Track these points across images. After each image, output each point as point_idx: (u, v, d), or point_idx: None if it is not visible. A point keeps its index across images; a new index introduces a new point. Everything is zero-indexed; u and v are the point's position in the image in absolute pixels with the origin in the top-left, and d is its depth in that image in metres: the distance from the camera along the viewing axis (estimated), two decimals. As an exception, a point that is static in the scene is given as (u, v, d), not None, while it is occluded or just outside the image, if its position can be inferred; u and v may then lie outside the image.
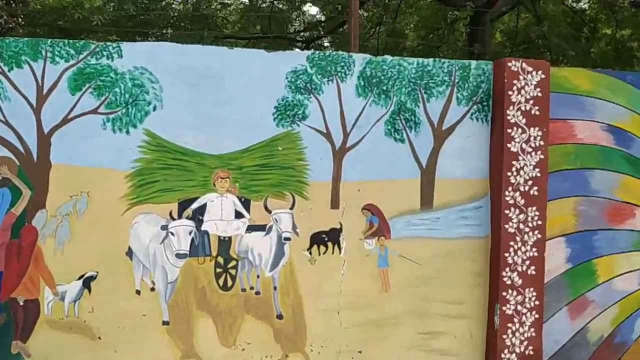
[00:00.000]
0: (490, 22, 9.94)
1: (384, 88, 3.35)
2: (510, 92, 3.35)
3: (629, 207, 3.70)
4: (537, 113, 3.38)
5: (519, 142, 3.37)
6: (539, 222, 3.40)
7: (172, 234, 3.16)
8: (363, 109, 3.34)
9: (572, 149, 3.61)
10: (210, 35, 8.44)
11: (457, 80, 3.43)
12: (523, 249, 3.37)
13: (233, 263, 3.23)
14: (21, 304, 3.06)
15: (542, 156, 3.40)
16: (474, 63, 3.46)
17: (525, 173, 3.37)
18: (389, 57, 3.38)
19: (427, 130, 3.41)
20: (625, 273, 3.70)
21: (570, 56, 10.08)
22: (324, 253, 3.31)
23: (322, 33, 9.15)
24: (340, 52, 3.34)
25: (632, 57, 10.56)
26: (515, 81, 3.36)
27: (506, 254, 3.36)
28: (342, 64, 3.30)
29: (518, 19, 9.96)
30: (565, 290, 3.62)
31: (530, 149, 3.38)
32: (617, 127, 3.68)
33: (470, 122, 3.45)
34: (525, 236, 3.38)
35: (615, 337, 3.70)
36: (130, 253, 3.14)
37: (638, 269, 3.71)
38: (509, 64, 3.35)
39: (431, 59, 3.42)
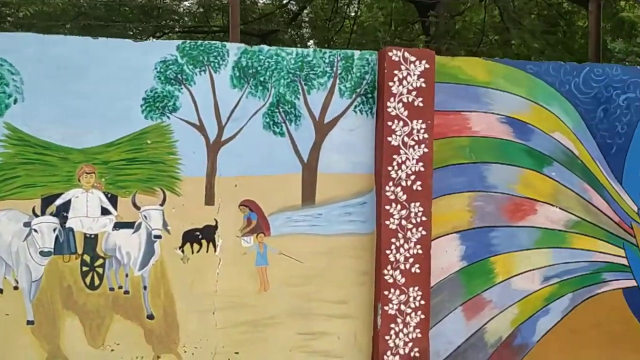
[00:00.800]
0: (456, 15, 9.75)
1: (261, 79, 3.22)
2: (391, 83, 3.20)
3: (529, 202, 3.54)
4: (421, 105, 3.23)
5: (400, 136, 3.22)
6: (424, 219, 3.25)
7: (36, 231, 3.04)
8: (239, 100, 3.21)
9: (467, 142, 3.46)
10: (168, 28, 8.35)
11: (339, 71, 3.28)
12: (406, 246, 3.23)
13: (100, 261, 3.11)
14: None
15: (426, 150, 3.25)
16: (357, 53, 3.32)
17: (407, 167, 3.23)
18: (265, 47, 3.25)
19: (308, 124, 3.27)
20: (525, 272, 3.55)
21: (541, 50, 9.85)
22: (198, 251, 3.18)
23: (278, 26, 9.04)
24: (213, 42, 3.21)
25: (606, 51, 10.32)
26: (396, 71, 3.21)
27: (388, 252, 3.22)
28: (215, 53, 3.17)
29: (486, 12, 9.78)
30: (459, 289, 3.47)
31: (413, 143, 3.23)
32: (517, 119, 3.52)
33: (354, 115, 3.31)
34: (409, 233, 3.23)
35: (515, 339, 3.54)
36: (-9, 251, 3.05)
37: (540, 268, 3.56)
38: (390, 54, 3.20)
39: (311, 49, 3.29)
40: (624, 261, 3.67)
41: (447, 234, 3.43)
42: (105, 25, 7.95)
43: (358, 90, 3.30)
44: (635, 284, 3.69)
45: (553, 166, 3.56)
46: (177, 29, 9.38)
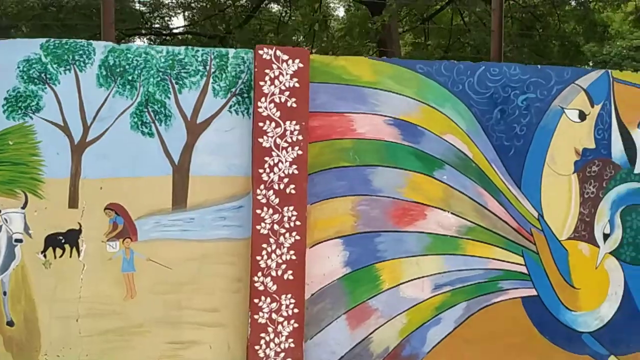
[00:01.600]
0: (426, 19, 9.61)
1: (129, 78, 3.11)
2: (262, 83, 3.09)
3: (419, 207, 3.40)
4: (294, 105, 3.11)
5: (272, 137, 3.10)
6: (298, 223, 3.12)
7: None
8: (105, 100, 3.10)
9: (351, 145, 3.32)
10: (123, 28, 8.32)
11: (213, 70, 3.17)
12: (278, 252, 3.10)
13: (-42, 266, 3.03)
14: None
15: (300, 152, 3.12)
16: (232, 52, 3.20)
17: (280, 170, 3.10)
18: (134, 45, 3.15)
19: (180, 124, 3.16)
20: (415, 279, 3.40)
21: (512, 55, 9.67)
22: (61, 256, 3.07)
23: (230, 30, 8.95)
24: (79, 40, 3.12)
25: (579, 54, 10.12)
26: (268, 70, 3.09)
27: (258, 258, 3.09)
28: (80, 52, 3.07)
29: (453, 17, 9.59)
30: (343, 297, 3.32)
31: (286, 145, 3.10)
32: (405, 120, 3.38)
33: (229, 115, 3.19)
34: (281, 238, 3.10)
35: (404, 349, 3.39)
36: None
37: (430, 275, 3.41)
38: (260, 52, 3.09)
39: (183, 47, 3.18)
40: (523, 269, 3.51)
41: (330, 239, 3.29)
42: (65, 26, 7.91)
43: (233, 89, 3.19)
44: (536, 293, 3.53)
45: (444, 169, 3.42)
46: (143, 32, 9.34)
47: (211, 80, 3.17)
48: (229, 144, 3.18)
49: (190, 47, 3.19)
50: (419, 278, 3.40)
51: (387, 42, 7.72)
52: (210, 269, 3.18)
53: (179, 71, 3.15)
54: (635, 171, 3.64)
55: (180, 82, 3.15)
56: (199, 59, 3.17)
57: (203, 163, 3.17)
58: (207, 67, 3.17)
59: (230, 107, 3.19)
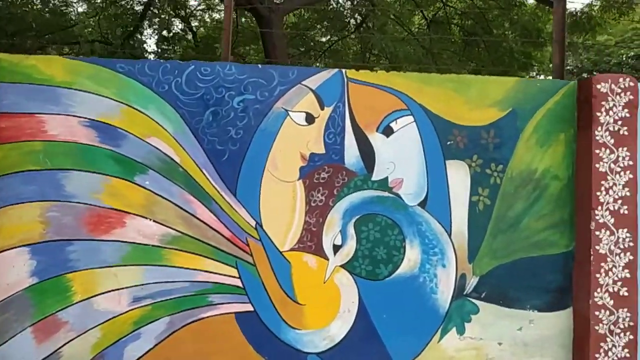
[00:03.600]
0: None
1: None
2: None
3: (117, 214, 3.20)
4: (-43, 105, 2.99)
5: None
6: (-40, 229, 2.98)
7: None
8: None
9: (41, 147, 3.16)
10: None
11: None
12: (-64, 259, 2.96)
13: None
14: None
15: (-37, 154, 2.99)
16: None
17: (-61, 173, 2.97)
18: None
19: None
20: (111, 291, 3.20)
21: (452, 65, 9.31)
22: None
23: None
24: None
25: (514, 60, 9.65)
26: None
27: None
28: None
29: (362, 22, 9.19)
30: (29, 308, 3.14)
31: (-54, 146, 2.98)
32: (103, 122, 3.20)
33: None
34: (-60, 245, 2.96)
35: (98, 365, 3.20)
36: None
37: (128, 287, 3.20)
38: None
39: None
40: (237, 282, 3.26)
41: (14, 247, 3.13)
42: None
43: None
44: (252, 309, 3.27)
45: (147, 174, 3.21)
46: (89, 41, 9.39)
47: None
48: None
49: None
50: (115, 290, 3.19)
51: (270, 50, 7.51)
52: None
53: None
54: (374, 178, 3.36)
55: None
56: None
57: None
58: None
59: None
